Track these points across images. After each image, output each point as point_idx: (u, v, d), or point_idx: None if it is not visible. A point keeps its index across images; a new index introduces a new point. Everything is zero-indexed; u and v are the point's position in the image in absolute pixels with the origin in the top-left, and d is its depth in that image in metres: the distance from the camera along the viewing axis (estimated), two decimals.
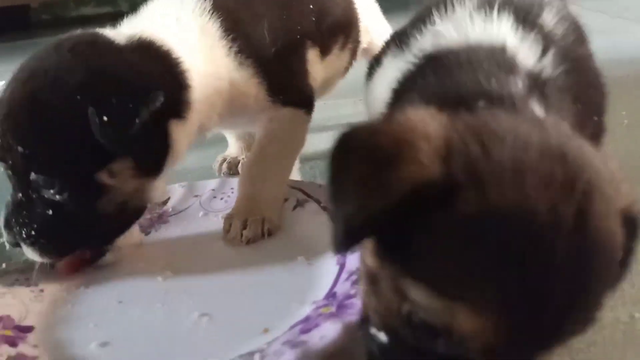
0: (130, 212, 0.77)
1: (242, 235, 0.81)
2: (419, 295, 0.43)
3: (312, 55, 0.94)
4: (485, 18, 0.60)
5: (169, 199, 0.93)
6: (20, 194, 0.74)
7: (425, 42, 0.63)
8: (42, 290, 0.75)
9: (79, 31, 0.79)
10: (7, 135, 0.71)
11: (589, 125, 0.62)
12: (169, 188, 0.92)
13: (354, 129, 0.46)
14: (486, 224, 0.40)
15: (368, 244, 0.47)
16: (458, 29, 0.61)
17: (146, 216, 0.85)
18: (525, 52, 0.56)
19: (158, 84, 0.73)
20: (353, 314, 0.58)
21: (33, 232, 0.73)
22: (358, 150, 0.44)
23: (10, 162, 0.72)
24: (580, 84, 0.59)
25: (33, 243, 0.73)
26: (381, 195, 0.41)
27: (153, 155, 0.76)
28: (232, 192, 0.92)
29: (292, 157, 0.93)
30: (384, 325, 0.47)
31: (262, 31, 0.86)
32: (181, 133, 0.78)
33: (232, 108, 0.84)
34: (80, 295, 0.74)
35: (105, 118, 0.68)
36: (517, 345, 0.42)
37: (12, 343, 0.64)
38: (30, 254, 0.74)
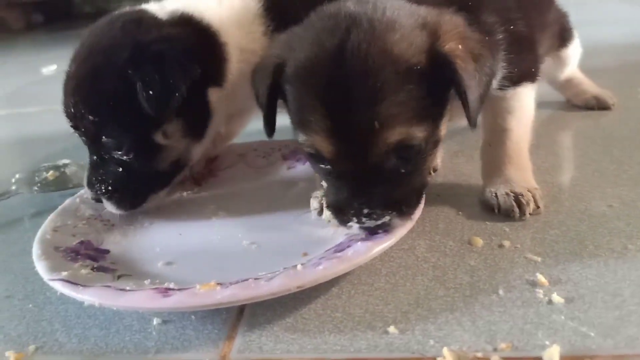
0: (177, 169, 0.90)
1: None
2: (300, 138, 0.68)
3: None
4: None
5: (217, 157, 1.05)
6: (95, 157, 0.87)
7: None
8: (113, 225, 0.88)
9: (127, 8, 0.91)
10: (79, 105, 0.82)
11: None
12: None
13: (256, 64, 0.78)
14: (295, 74, 0.66)
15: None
16: None
17: (199, 171, 1.00)
18: None
19: (196, 57, 0.82)
20: (382, 236, 0.68)
21: (109, 188, 0.85)
22: (256, 75, 0.76)
23: (83, 129, 0.84)
24: None
25: (109, 197, 0.86)
26: (264, 87, 0.72)
27: (197, 119, 0.87)
28: (272, 151, 1.06)
29: None
30: (318, 173, 0.75)
31: (298, 11, 0.94)
32: (220, 101, 0.89)
33: None
34: (144, 230, 0.87)
35: (150, 92, 0.78)
36: (345, 146, 0.64)
37: (94, 259, 0.77)
38: (109, 207, 0.87)
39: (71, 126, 0.86)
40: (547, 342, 0.55)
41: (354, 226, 0.68)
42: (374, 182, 0.66)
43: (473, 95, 0.64)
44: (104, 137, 0.83)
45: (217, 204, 0.92)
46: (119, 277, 0.72)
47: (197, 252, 0.79)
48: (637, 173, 0.89)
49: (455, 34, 0.66)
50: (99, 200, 0.87)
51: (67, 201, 0.90)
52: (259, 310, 0.66)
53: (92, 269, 0.73)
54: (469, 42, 0.66)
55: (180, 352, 0.62)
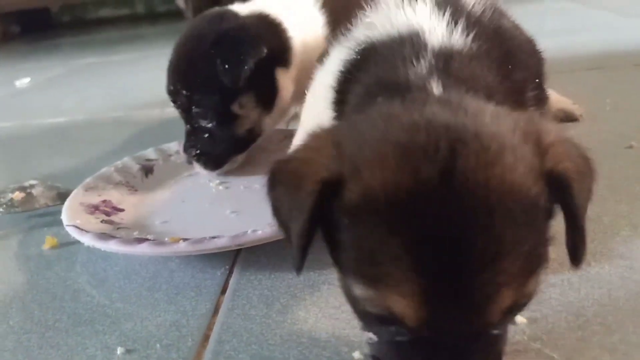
0: (252, 136, 1.10)
1: None
2: (358, 290, 0.45)
3: None
4: (407, 5, 0.66)
5: None
6: (188, 126, 1.09)
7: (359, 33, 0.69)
8: (136, 190, 1.06)
9: (216, 8, 1.12)
10: (176, 84, 1.05)
11: (528, 87, 0.67)
12: None
13: (277, 163, 0.52)
14: (366, 205, 0.43)
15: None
16: (385, 19, 0.66)
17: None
18: (438, 31, 0.61)
19: (263, 41, 1.02)
20: None
21: (198, 152, 1.08)
22: (280, 183, 0.50)
23: (179, 102, 1.07)
24: (503, 49, 0.64)
25: (198, 159, 1.08)
26: (300, 212, 0.46)
27: (267, 93, 1.06)
28: (284, 138, 1.17)
29: None
30: (365, 327, 0.50)
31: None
32: (286, 80, 1.08)
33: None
34: (158, 195, 1.06)
35: (226, 66, 0.99)
36: (445, 314, 0.42)
37: (107, 214, 0.95)
38: (198, 168, 1.10)
39: (171, 101, 1.09)
40: None
41: None
42: (470, 353, 0.45)
43: (584, 221, 0.49)
44: (194, 107, 1.05)
45: (222, 179, 1.10)
46: (117, 228, 0.89)
47: (188, 216, 0.96)
48: (602, 187, 0.89)
49: (564, 147, 0.48)
50: (191, 163, 1.10)
51: (104, 169, 1.08)
52: (225, 337, 0.66)
53: (102, 221, 0.90)
54: (576, 158, 0.49)
55: None
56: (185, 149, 1.10)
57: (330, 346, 0.62)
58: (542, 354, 0.57)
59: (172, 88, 1.07)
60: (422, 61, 0.58)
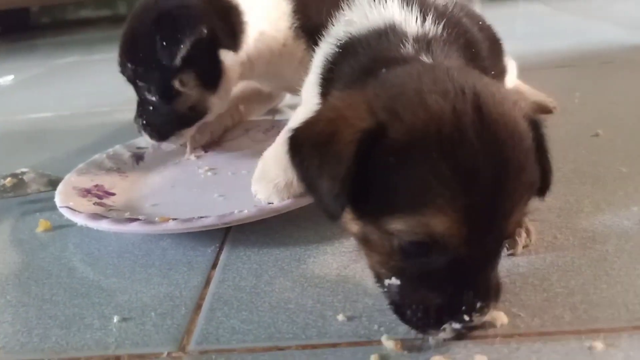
0: (196, 114, 1.13)
1: None
2: (398, 224, 0.52)
3: None
4: (379, 3, 0.76)
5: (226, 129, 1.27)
6: (138, 97, 1.13)
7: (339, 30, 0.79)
8: (127, 176, 1.10)
9: None
10: (123, 56, 1.10)
11: (495, 65, 0.81)
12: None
13: (296, 129, 0.57)
14: (413, 141, 0.51)
15: (347, 217, 0.58)
16: (362, 15, 0.77)
17: (209, 139, 1.24)
18: (411, 22, 0.71)
19: (204, 21, 1.04)
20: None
21: (144, 122, 1.13)
22: (306, 144, 0.56)
23: (126, 74, 1.11)
24: (467, 36, 0.74)
25: (144, 129, 1.13)
26: (340, 159, 0.52)
27: (209, 74, 1.08)
28: (271, 128, 1.24)
29: None
30: (390, 269, 0.57)
31: (320, 17, 0.99)
32: (233, 63, 1.10)
33: (279, 61, 1.16)
34: (149, 180, 1.10)
35: (164, 43, 1.01)
36: (483, 228, 0.51)
37: (99, 197, 0.99)
38: (146, 137, 1.14)
39: (120, 72, 1.12)
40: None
41: (448, 329, 0.55)
42: (492, 267, 0.56)
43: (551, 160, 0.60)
44: (138, 81, 1.09)
45: (210, 166, 1.14)
46: (109, 210, 0.93)
47: (178, 199, 1.00)
48: (569, 170, 0.96)
49: (525, 102, 0.61)
50: (139, 131, 1.15)
51: (96, 155, 1.13)
52: (216, 305, 0.70)
53: (94, 203, 0.95)
54: (532, 109, 0.61)
55: (141, 346, 0.64)
56: (135, 118, 1.15)
57: (316, 311, 0.66)
58: (510, 313, 0.62)
59: (119, 60, 1.11)
60: (407, 44, 0.68)
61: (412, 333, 0.58)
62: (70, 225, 0.93)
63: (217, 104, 1.14)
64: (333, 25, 0.85)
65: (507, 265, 0.70)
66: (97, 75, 2.38)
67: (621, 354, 0.55)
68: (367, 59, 0.69)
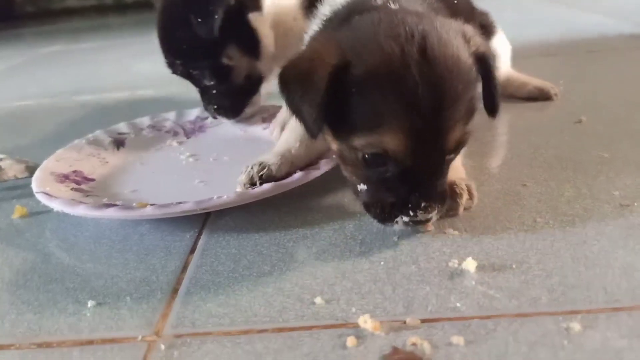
0: (254, 81, 1.16)
1: None
2: (361, 141, 0.67)
3: None
4: None
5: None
6: (198, 88, 1.16)
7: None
8: (107, 162, 1.08)
9: None
10: (169, 56, 1.11)
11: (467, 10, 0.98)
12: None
13: (284, 67, 0.72)
14: (370, 77, 0.65)
15: (328, 138, 0.74)
16: None
17: (190, 126, 1.25)
18: None
19: None
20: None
21: (215, 107, 1.16)
22: (291, 79, 0.71)
23: (178, 72, 1.13)
24: None
25: (219, 112, 1.17)
26: (316, 90, 0.66)
27: (248, 42, 1.10)
28: (255, 114, 1.22)
29: None
30: (359, 177, 0.73)
31: None
32: (263, 26, 1.11)
33: (290, 33, 1.14)
34: (130, 166, 1.08)
35: (199, 20, 1.02)
36: (425, 144, 0.65)
37: (77, 182, 0.98)
38: (223, 119, 1.19)
39: (172, 73, 1.13)
40: (458, 305, 0.60)
41: (400, 222, 0.70)
42: (436, 177, 0.70)
43: (498, 82, 0.74)
44: (192, 71, 1.11)
45: (191, 152, 1.13)
46: (87, 195, 0.92)
47: (157, 185, 0.99)
48: (551, 156, 0.96)
49: (478, 38, 0.72)
50: (215, 117, 1.19)
51: (76, 141, 1.11)
52: (193, 290, 0.69)
53: (72, 189, 0.94)
54: (486, 46, 0.73)
55: (114, 330, 0.63)
56: (205, 107, 1.19)
57: (294, 294, 0.66)
58: (487, 295, 0.62)
59: (167, 61, 1.12)
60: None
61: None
62: (48, 211, 0.92)
63: (266, 70, 1.16)
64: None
65: (487, 249, 0.70)
66: (81, 64, 2.35)
67: (598, 335, 0.55)
68: (346, 11, 0.80)
